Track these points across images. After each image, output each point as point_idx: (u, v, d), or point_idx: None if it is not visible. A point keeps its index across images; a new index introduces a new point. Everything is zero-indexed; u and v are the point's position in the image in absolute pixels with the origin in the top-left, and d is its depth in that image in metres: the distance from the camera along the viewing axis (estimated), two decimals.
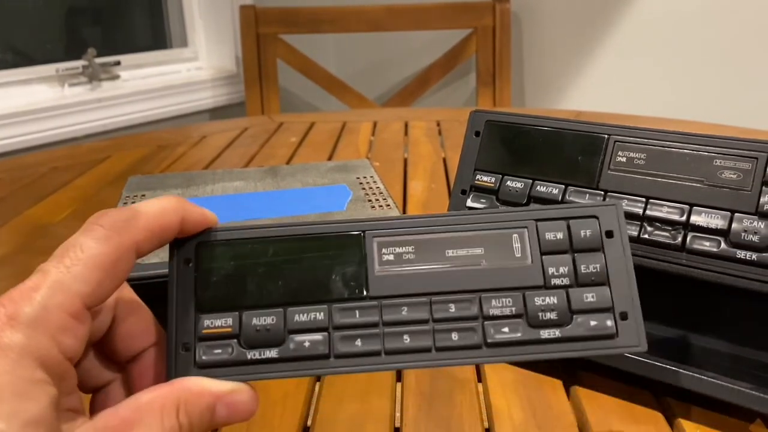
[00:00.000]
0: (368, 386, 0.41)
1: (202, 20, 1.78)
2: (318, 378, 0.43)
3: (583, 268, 0.26)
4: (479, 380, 0.42)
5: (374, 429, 0.38)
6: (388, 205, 0.53)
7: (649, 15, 1.47)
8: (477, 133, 0.45)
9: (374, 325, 0.26)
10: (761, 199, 0.36)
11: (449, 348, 0.25)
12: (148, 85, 1.62)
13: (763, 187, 0.36)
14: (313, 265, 0.26)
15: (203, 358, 0.25)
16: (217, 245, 0.26)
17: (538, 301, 0.26)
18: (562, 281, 0.26)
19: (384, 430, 0.38)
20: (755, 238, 0.35)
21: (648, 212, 0.39)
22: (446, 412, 0.39)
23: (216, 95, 1.75)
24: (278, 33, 1.60)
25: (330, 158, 0.92)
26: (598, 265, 0.26)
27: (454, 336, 0.25)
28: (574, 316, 0.26)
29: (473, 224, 0.27)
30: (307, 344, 0.25)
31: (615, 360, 0.39)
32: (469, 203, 0.44)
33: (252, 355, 0.25)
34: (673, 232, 0.38)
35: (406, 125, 1.09)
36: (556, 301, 0.26)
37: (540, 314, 0.26)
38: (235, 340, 0.25)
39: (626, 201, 0.39)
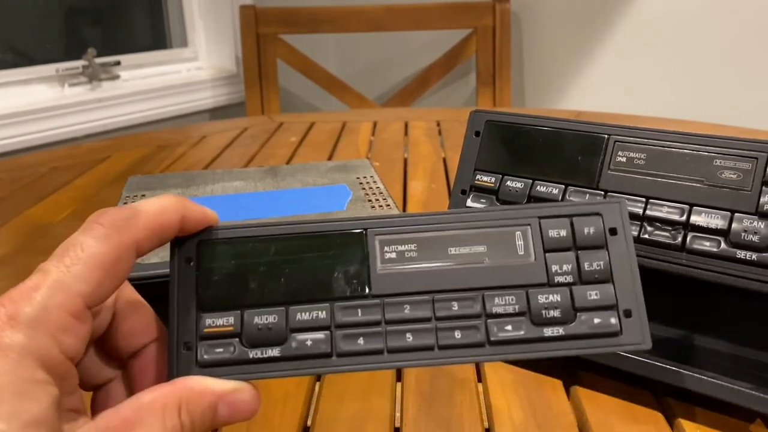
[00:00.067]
0: (368, 386, 0.41)
1: (202, 20, 1.78)
2: (318, 377, 0.43)
3: (586, 266, 0.26)
4: (479, 380, 0.42)
5: (374, 429, 0.38)
6: (388, 205, 0.53)
7: (649, 15, 1.47)
8: (477, 133, 0.45)
9: (377, 323, 0.25)
10: (761, 199, 0.36)
11: (452, 346, 0.25)
12: (148, 85, 1.62)
13: (763, 187, 0.36)
14: (315, 264, 0.26)
15: (205, 357, 0.25)
16: (218, 244, 0.26)
17: (542, 298, 0.26)
18: (566, 279, 0.26)
19: (384, 430, 0.38)
20: (755, 238, 0.35)
21: (648, 212, 0.39)
22: (446, 412, 0.39)
23: (216, 95, 1.75)
24: (278, 33, 1.60)
25: (330, 158, 0.92)
26: (601, 263, 0.26)
27: (457, 334, 0.25)
28: (578, 314, 0.26)
29: (476, 222, 0.27)
30: (309, 343, 0.25)
31: (615, 360, 0.39)
32: (469, 203, 0.44)
33: (254, 354, 0.25)
34: (673, 232, 0.38)
35: (406, 125, 1.09)
36: (559, 299, 0.26)
37: (543, 312, 0.25)
38: (237, 339, 0.25)
39: (626, 201, 0.39)
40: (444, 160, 0.88)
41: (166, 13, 1.80)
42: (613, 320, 0.26)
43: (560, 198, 0.41)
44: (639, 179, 0.39)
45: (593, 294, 0.26)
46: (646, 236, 0.38)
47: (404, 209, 0.71)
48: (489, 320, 0.25)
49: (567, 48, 1.61)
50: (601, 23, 1.54)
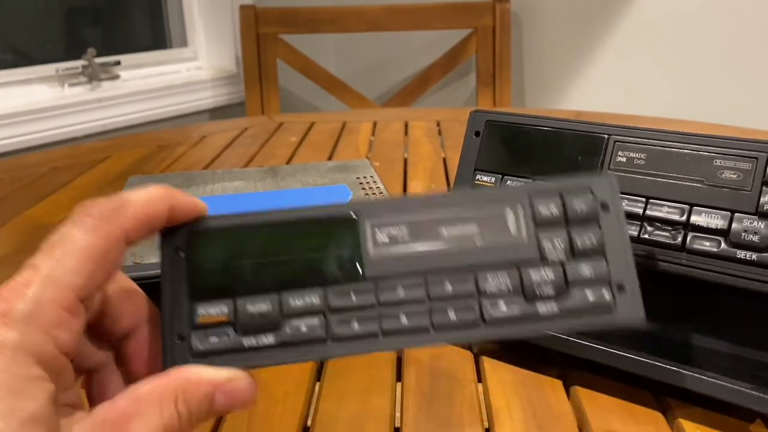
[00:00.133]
0: (368, 386, 0.41)
1: (202, 20, 1.78)
2: (318, 377, 0.43)
3: (578, 242, 0.26)
4: (479, 380, 0.42)
5: (374, 429, 0.38)
6: None
7: (649, 15, 1.47)
8: (477, 133, 0.45)
9: (371, 306, 0.25)
10: (761, 199, 0.36)
11: (446, 326, 0.25)
12: (148, 85, 1.62)
13: (763, 187, 0.36)
14: (307, 250, 0.26)
15: (199, 347, 0.25)
16: (208, 233, 0.26)
17: (535, 275, 0.25)
18: (558, 255, 0.26)
19: (384, 430, 0.38)
20: (755, 238, 0.35)
21: (648, 212, 0.39)
22: (446, 412, 0.39)
23: (216, 95, 1.75)
24: (278, 33, 1.60)
25: (330, 158, 0.92)
26: (594, 238, 0.26)
27: (451, 314, 0.25)
28: (571, 290, 0.25)
29: (467, 202, 0.27)
30: (303, 328, 0.25)
31: (615, 360, 0.39)
32: None
33: (248, 342, 0.25)
34: (673, 232, 0.38)
35: (406, 125, 1.09)
36: (552, 276, 0.25)
37: (537, 289, 0.25)
38: (231, 328, 0.25)
39: (626, 201, 0.39)
40: (444, 160, 0.88)
41: (166, 13, 1.80)
42: (607, 295, 0.25)
43: None
44: (639, 179, 0.39)
45: (586, 270, 0.26)
46: (646, 236, 0.38)
47: None
48: (483, 299, 0.25)
49: (567, 48, 1.61)
50: (601, 23, 1.54)
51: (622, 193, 0.40)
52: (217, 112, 1.76)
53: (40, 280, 0.21)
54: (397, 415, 0.39)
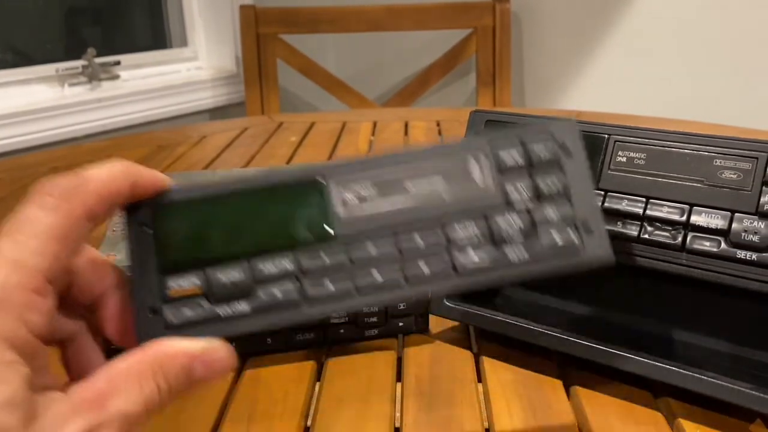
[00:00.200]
0: (368, 386, 0.41)
1: (202, 20, 1.78)
2: (318, 377, 0.43)
3: (543, 187, 0.26)
4: (479, 380, 0.42)
5: (374, 429, 0.38)
6: None
7: (649, 15, 1.47)
8: (477, 134, 0.45)
9: (343, 266, 0.25)
10: (761, 199, 0.36)
11: (420, 278, 0.25)
12: (148, 85, 1.62)
13: (763, 187, 0.36)
14: (275, 215, 0.26)
15: (173, 320, 0.25)
16: (173, 206, 0.26)
17: (502, 223, 0.26)
18: (524, 201, 0.26)
19: (384, 431, 0.38)
20: (755, 238, 0.35)
21: (648, 212, 0.39)
22: (446, 412, 0.39)
23: (216, 95, 1.75)
24: (278, 33, 1.60)
25: (330, 158, 0.92)
26: (557, 182, 0.26)
27: (424, 267, 0.25)
28: (539, 235, 0.26)
29: (431, 155, 0.27)
30: (277, 293, 0.25)
31: (615, 360, 0.39)
32: None
33: (223, 311, 0.25)
34: (673, 232, 0.38)
35: (406, 125, 1.09)
36: (519, 221, 0.26)
37: (505, 236, 0.26)
38: (204, 298, 0.25)
39: (626, 201, 0.39)
40: None
41: (166, 13, 1.80)
42: (574, 237, 0.26)
43: None
44: (639, 179, 0.39)
45: (552, 213, 0.26)
46: (646, 236, 0.38)
47: None
48: (453, 250, 0.26)
49: (567, 48, 1.61)
50: (601, 23, 1.54)
51: (622, 193, 0.40)
52: (217, 112, 1.76)
53: (5, 264, 0.21)
54: (397, 415, 0.39)
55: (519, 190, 0.26)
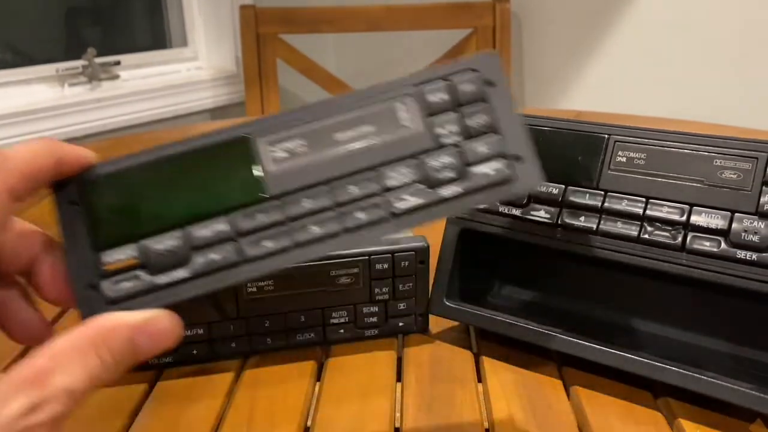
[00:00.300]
0: (368, 386, 0.41)
1: (202, 20, 1.78)
2: (318, 377, 0.43)
3: (471, 122, 0.26)
4: (479, 380, 0.42)
5: (374, 429, 0.38)
6: None
7: (649, 15, 1.47)
8: None
9: (280, 223, 0.25)
10: (761, 199, 0.36)
11: (358, 227, 0.25)
12: (148, 85, 1.62)
13: (763, 187, 0.36)
14: (206, 179, 0.26)
15: (111, 294, 0.25)
16: (101, 180, 0.26)
17: (434, 162, 0.26)
18: (454, 139, 0.26)
19: (384, 430, 0.38)
20: (755, 238, 0.35)
21: (648, 212, 0.39)
22: (446, 412, 0.39)
23: (216, 95, 1.75)
24: (278, 33, 1.59)
25: None
26: (485, 116, 0.27)
27: (361, 215, 0.26)
28: (471, 169, 0.26)
29: (357, 103, 0.27)
30: (215, 256, 0.25)
31: (615, 360, 0.39)
32: None
33: (161, 279, 0.25)
34: (673, 232, 0.38)
35: None
36: (451, 159, 0.26)
37: (438, 175, 0.26)
38: (142, 270, 0.25)
39: (626, 201, 0.39)
40: None
41: (166, 13, 1.80)
42: (506, 168, 0.26)
43: (560, 198, 0.41)
44: (639, 179, 0.39)
45: (482, 147, 0.26)
46: (646, 236, 0.38)
47: None
48: (389, 195, 0.26)
49: (567, 48, 1.61)
50: (601, 23, 1.54)
51: (622, 193, 0.40)
52: (217, 112, 1.76)
53: None
54: (397, 415, 0.39)
55: (448, 129, 0.27)
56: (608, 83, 1.57)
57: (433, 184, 0.26)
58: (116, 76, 1.61)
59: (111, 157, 0.26)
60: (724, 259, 0.36)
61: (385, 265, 0.44)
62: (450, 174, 0.26)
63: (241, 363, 0.44)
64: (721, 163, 0.37)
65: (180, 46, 1.80)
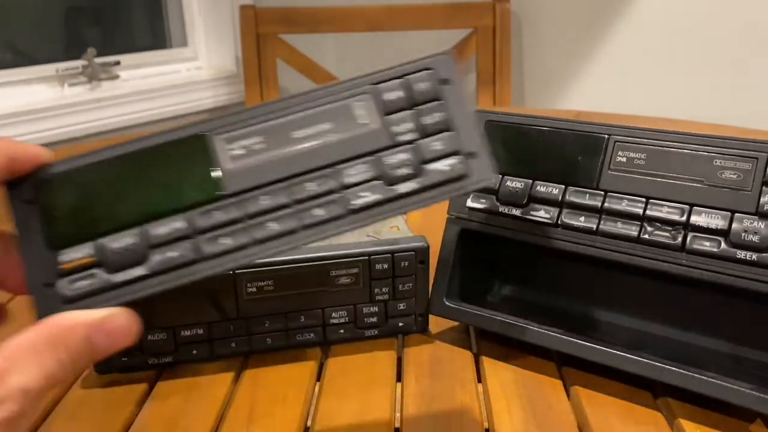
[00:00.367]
0: (368, 386, 0.41)
1: (201, 20, 1.78)
2: (318, 377, 0.43)
3: (426, 120, 0.27)
4: (479, 380, 0.42)
5: (374, 429, 0.38)
6: None
7: (649, 15, 1.47)
8: None
9: (238, 220, 0.25)
10: (761, 199, 0.36)
11: (316, 224, 0.26)
12: (147, 85, 1.62)
13: (763, 187, 0.36)
14: (163, 177, 0.26)
15: (68, 293, 0.25)
16: (57, 178, 0.26)
17: (391, 160, 0.26)
18: (410, 136, 0.27)
19: (384, 430, 0.38)
20: (755, 238, 0.35)
21: (648, 212, 0.39)
22: (446, 412, 0.39)
23: (216, 95, 1.75)
24: (278, 33, 1.59)
25: None
26: (439, 114, 0.27)
27: (318, 212, 0.26)
28: (427, 166, 0.27)
29: (314, 101, 0.27)
30: (172, 254, 0.25)
31: (615, 360, 0.39)
32: (469, 203, 0.44)
33: (118, 278, 0.25)
34: (673, 232, 0.38)
35: None
36: (408, 157, 0.27)
37: (395, 172, 0.26)
38: (99, 268, 0.25)
39: (626, 201, 0.39)
40: None
41: (166, 12, 1.80)
42: (461, 164, 0.27)
43: (560, 198, 0.41)
44: (639, 179, 0.39)
45: (437, 144, 0.27)
46: (646, 236, 0.38)
47: None
48: (346, 192, 0.26)
49: (567, 48, 1.61)
50: (601, 23, 1.54)
51: (622, 193, 0.40)
52: (217, 112, 1.76)
53: None
54: (397, 415, 0.39)
55: (404, 127, 0.27)
56: (608, 83, 1.57)
57: (390, 181, 0.26)
58: (116, 76, 1.61)
59: (66, 156, 0.26)
60: (724, 259, 0.36)
61: (385, 265, 0.44)
62: (406, 171, 0.26)
63: (241, 363, 0.44)
64: (721, 163, 0.37)
65: (180, 46, 1.80)
